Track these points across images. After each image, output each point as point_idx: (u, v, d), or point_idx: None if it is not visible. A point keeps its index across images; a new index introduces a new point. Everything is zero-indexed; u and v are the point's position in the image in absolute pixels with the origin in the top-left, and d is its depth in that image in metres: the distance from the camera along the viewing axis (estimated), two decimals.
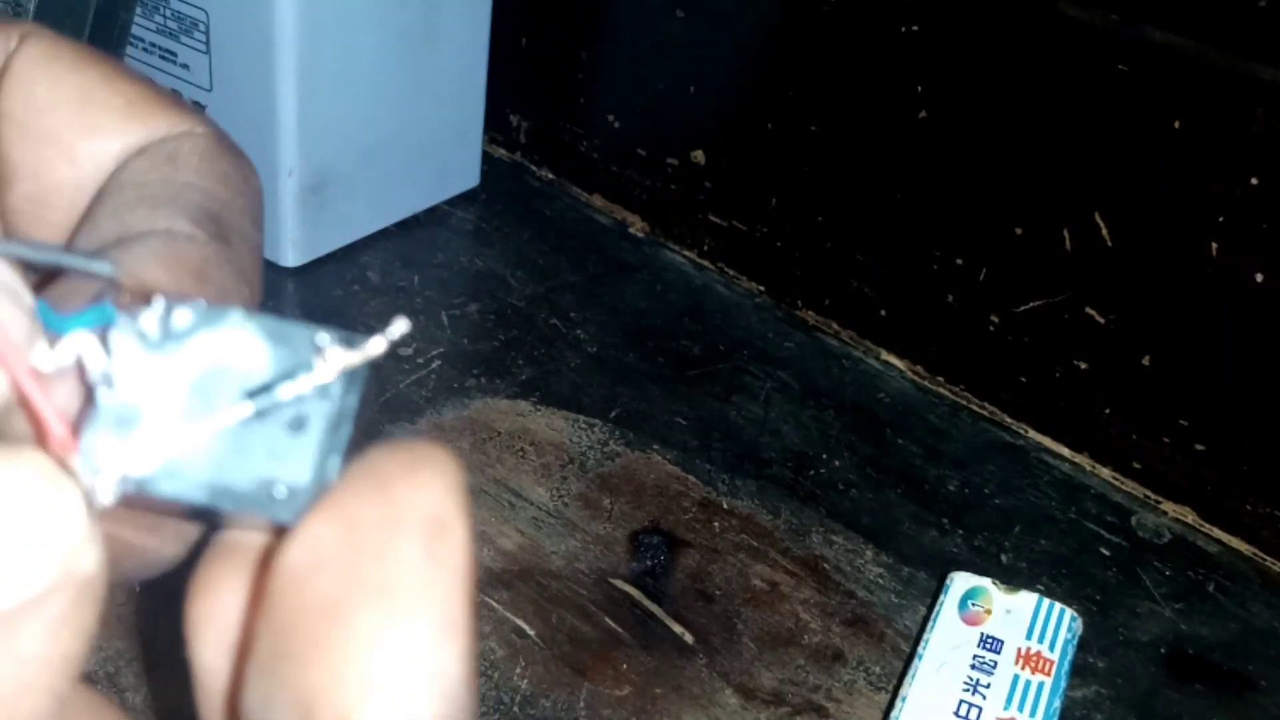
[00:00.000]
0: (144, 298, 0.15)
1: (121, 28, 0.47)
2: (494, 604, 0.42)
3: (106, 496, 0.15)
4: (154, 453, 0.15)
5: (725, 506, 0.47)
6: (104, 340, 0.15)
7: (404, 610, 0.13)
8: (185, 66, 0.53)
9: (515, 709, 0.38)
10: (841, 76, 0.53)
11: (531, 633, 0.41)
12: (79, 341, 0.15)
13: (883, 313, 0.55)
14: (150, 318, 0.15)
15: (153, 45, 0.53)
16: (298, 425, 0.15)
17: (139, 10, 0.52)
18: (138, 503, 0.15)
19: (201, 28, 0.51)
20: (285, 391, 0.15)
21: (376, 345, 0.15)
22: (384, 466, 0.14)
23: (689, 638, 0.42)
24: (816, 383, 0.54)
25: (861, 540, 0.46)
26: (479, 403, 0.50)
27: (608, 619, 0.42)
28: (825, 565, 0.45)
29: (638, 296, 0.58)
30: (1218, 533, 0.49)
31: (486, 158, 0.63)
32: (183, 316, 0.15)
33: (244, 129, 0.52)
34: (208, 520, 0.16)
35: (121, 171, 0.19)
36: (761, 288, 0.59)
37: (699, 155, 0.59)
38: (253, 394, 0.15)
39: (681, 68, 0.58)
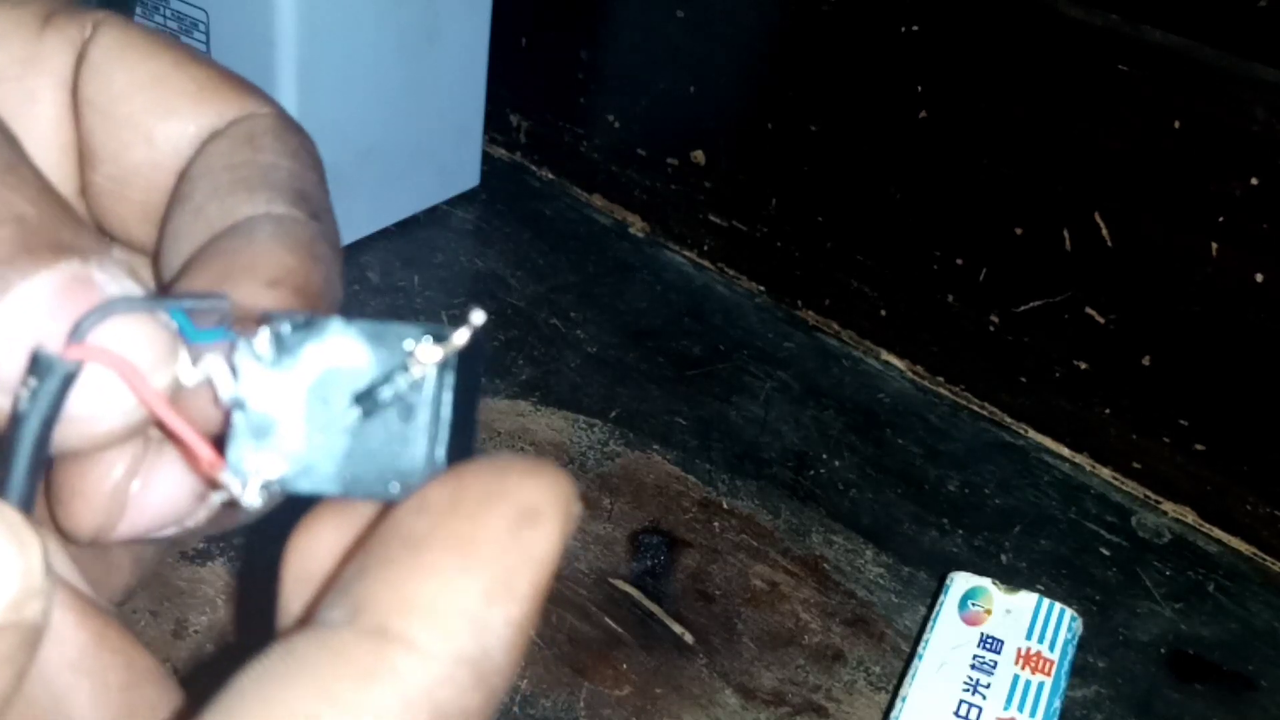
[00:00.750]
0: (254, 320, 0.17)
1: None
2: None
3: (254, 501, 0.17)
4: (288, 458, 0.17)
5: (725, 506, 0.47)
6: (230, 363, 0.17)
7: (472, 563, 0.15)
8: None
9: (515, 709, 0.38)
10: (841, 76, 0.53)
11: (532, 632, 0.41)
12: (211, 363, 0.17)
13: (883, 313, 0.55)
14: (263, 340, 0.17)
15: None
16: (405, 416, 0.17)
17: (139, 10, 0.52)
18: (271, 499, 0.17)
19: (201, 27, 0.51)
20: (389, 389, 0.17)
21: (461, 336, 0.17)
22: (509, 463, 0.16)
23: (689, 638, 0.42)
24: (816, 383, 0.54)
25: (861, 540, 0.46)
26: (479, 402, 0.50)
27: (608, 619, 0.42)
28: (825, 565, 0.45)
29: (638, 296, 0.58)
30: (1218, 533, 0.49)
31: (486, 158, 0.63)
32: (290, 331, 0.17)
33: None
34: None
35: (206, 155, 0.20)
36: (761, 288, 0.59)
37: (699, 155, 0.59)
38: (361, 395, 0.17)
39: (681, 68, 0.58)
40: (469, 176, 0.62)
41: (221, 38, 0.51)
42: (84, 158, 0.21)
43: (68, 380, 0.16)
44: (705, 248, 0.60)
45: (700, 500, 0.47)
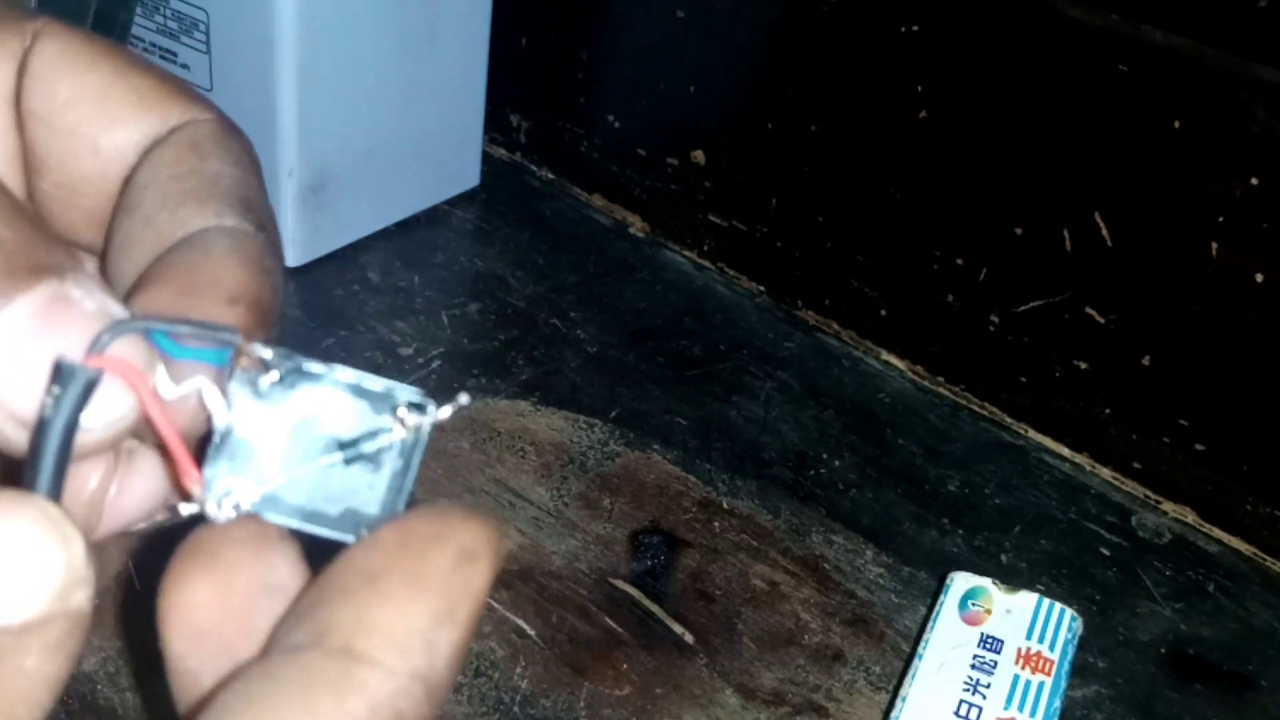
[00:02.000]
0: (255, 355, 0.19)
1: (122, 27, 0.47)
2: (494, 604, 0.42)
3: (221, 518, 0.18)
4: (260, 485, 0.19)
5: (725, 506, 0.47)
6: (222, 387, 0.18)
7: (422, 593, 0.17)
8: (186, 67, 0.53)
9: (515, 709, 0.38)
10: (841, 76, 0.53)
11: (532, 632, 0.41)
12: (200, 381, 0.18)
13: (883, 313, 0.55)
14: (265, 377, 0.19)
15: (153, 45, 0.53)
16: (374, 468, 0.19)
17: (139, 10, 0.52)
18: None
19: (202, 28, 0.51)
20: (371, 444, 0.19)
21: (444, 411, 0.19)
22: (449, 509, 0.18)
23: (689, 638, 0.42)
24: (816, 383, 0.54)
25: (861, 540, 0.46)
26: (479, 403, 0.50)
27: (608, 619, 0.42)
28: (825, 565, 0.45)
29: (638, 296, 0.58)
30: (1218, 533, 0.49)
31: (486, 158, 0.63)
32: (288, 372, 0.19)
33: (244, 129, 0.52)
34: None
35: (151, 163, 0.21)
36: (761, 288, 0.59)
37: (699, 155, 0.59)
38: (342, 445, 0.19)
39: (681, 68, 0.58)
40: (469, 176, 0.62)
41: (221, 38, 0.51)
42: (30, 166, 0.21)
43: (89, 387, 0.17)
44: (705, 248, 0.60)
45: (700, 500, 0.47)
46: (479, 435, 0.48)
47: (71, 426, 0.17)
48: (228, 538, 0.18)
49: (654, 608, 0.43)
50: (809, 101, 0.54)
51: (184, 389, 0.18)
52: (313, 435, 0.19)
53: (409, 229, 0.60)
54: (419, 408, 0.19)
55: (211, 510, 0.18)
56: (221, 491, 0.18)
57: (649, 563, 0.44)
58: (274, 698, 0.16)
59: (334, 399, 0.19)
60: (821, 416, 0.52)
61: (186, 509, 0.19)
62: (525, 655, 0.40)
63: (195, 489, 0.18)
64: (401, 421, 0.19)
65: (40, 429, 0.17)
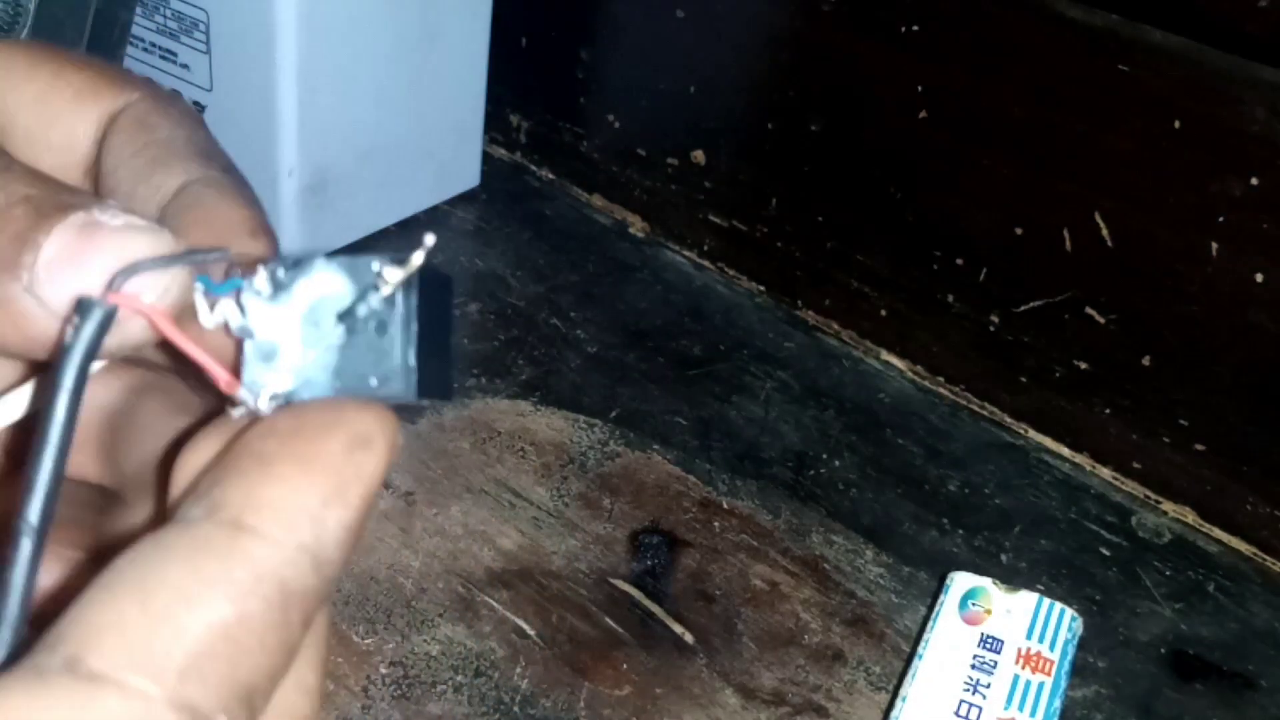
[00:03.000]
0: (251, 264, 0.21)
1: (122, 27, 0.47)
2: (494, 603, 0.42)
3: (267, 409, 0.20)
4: (291, 374, 0.21)
5: (725, 506, 0.47)
6: (238, 302, 0.21)
7: (312, 473, 0.18)
8: (185, 66, 0.53)
9: (515, 708, 0.38)
10: (841, 76, 0.53)
11: (532, 632, 0.41)
12: (225, 307, 0.20)
13: (883, 313, 0.55)
14: (263, 280, 0.21)
15: (153, 45, 0.53)
16: (381, 330, 0.21)
17: (139, 10, 0.52)
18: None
19: (202, 28, 0.51)
20: (364, 307, 0.20)
21: (418, 257, 0.20)
22: (344, 400, 0.20)
23: (689, 638, 0.42)
24: (816, 383, 0.54)
25: (861, 540, 0.46)
26: (479, 403, 0.50)
27: (608, 619, 0.42)
28: (825, 565, 0.45)
29: (638, 296, 0.58)
30: (1218, 533, 0.49)
31: (486, 158, 0.63)
32: (284, 272, 0.21)
33: (244, 129, 0.52)
34: None
35: (110, 149, 0.23)
36: (761, 288, 0.59)
37: (699, 155, 0.59)
38: (343, 314, 0.21)
39: (681, 68, 0.58)
40: (469, 176, 0.62)
41: (221, 38, 0.51)
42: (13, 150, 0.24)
43: (107, 320, 0.19)
44: (705, 248, 0.60)
45: (700, 500, 0.47)
46: (479, 435, 0.48)
47: (90, 353, 0.19)
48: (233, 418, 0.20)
49: (654, 608, 0.43)
50: (809, 101, 0.54)
51: (217, 316, 0.20)
52: (321, 318, 0.21)
53: (409, 229, 0.60)
54: (398, 261, 0.20)
55: (257, 405, 0.20)
56: (261, 387, 0.20)
57: (649, 563, 0.44)
58: (164, 562, 0.17)
59: (329, 281, 0.21)
60: (821, 416, 0.52)
61: (237, 413, 0.21)
62: (525, 655, 0.40)
63: (242, 394, 0.20)
64: (385, 276, 0.20)
65: (61, 355, 0.19)
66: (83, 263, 0.20)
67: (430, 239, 0.20)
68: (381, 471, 0.19)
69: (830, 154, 0.54)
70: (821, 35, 0.53)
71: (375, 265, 0.20)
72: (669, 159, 0.60)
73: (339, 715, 0.37)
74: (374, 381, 0.21)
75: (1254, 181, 0.44)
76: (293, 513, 0.18)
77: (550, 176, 0.65)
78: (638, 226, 0.62)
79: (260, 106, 0.51)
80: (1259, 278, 0.45)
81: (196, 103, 0.53)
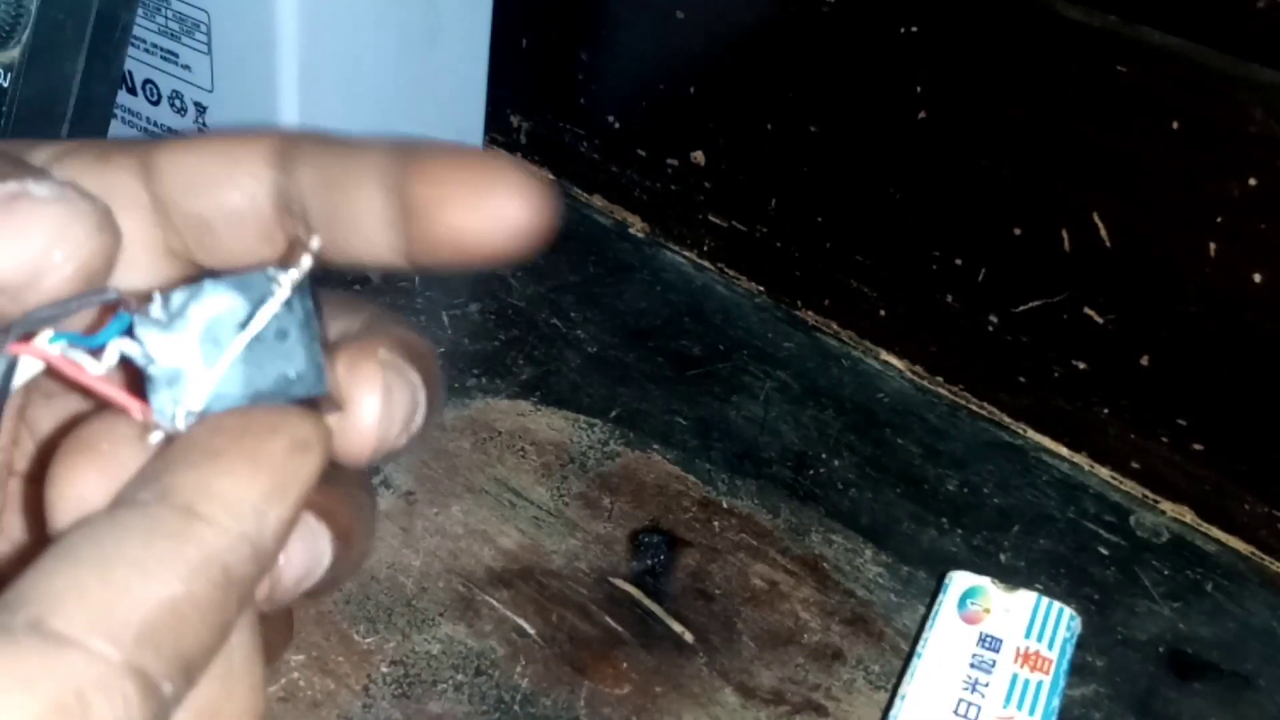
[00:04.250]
0: (141, 298, 0.21)
1: (123, 28, 0.48)
2: (494, 603, 0.42)
3: (180, 426, 0.21)
4: (201, 393, 0.21)
5: (725, 506, 0.47)
6: (132, 335, 0.21)
7: (258, 471, 0.20)
8: (187, 67, 0.53)
9: (516, 707, 0.39)
10: (841, 76, 0.53)
11: (532, 631, 0.41)
12: (117, 347, 0.21)
13: (882, 313, 0.55)
14: (157, 308, 0.21)
15: (154, 46, 0.53)
16: (282, 335, 0.22)
17: (140, 11, 0.52)
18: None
19: (203, 28, 0.51)
20: (261, 317, 0.21)
21: (306, 261, 0.22)
22: (291, 410, 0.21)
23: (689, 637, 0.42)
24: (816, 383, 0.54)
25: (861, 540, 0.46)
26: (479, 402, 0.50)
27: (608, 618, 0.42)
28: (825, 564, 0.45)
29: (638, 296, 0.58)
30: (1216, 532, 0.49)
31: None
32: (173, 298, 0.21)
33: None
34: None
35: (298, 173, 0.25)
36: (761, 288, 0.59)
37: (699, 155, 0.59)
38: (241, 327, 0.21)
39: (681, 68, 0.58)
40: None
41: (222, 39, 0.51)
42: (188, 240, 0.26)
43: (10, 368, 0.21)
44: (705, 248, 0.60)
45: (700, 500, 0.47)
46: (479, 435, 0.49)
47: (2, 394, 0.21)
48: (107, 432, 0.21)
49: (654, 607, 0.43)
50: (809, 101, 0.54)
51: (107, 361, 0.21)
52: (219, 335, 0.22)
53: None
54: (284, 268, 0.22)
55: (171, 426, 0.21)
56: (170, 410, 0.21)
57: (649, 562, 0.44)
58: (120, 539, 0.19)
59: (220, 300, 0.22)
60: (821, 416, 0.52)
61: (154, 436, 0.22)
62: (525, 654, 0.40)
63: (147, 417, 0.21)
64: (277, 284, 0.22)
65: None
66: (5, 227, 0.21)
67: (315, 242, 0.22)
68: (316, 474, 0.21)
69: (830, 154, 0.55)
70: (821, 35, 0.53)
71: (268, 275, 0.21)
72: (669, 159, 0.60)
73: (340, 714, 0.38)
74: (284, 383, 0.22)
75: (1252, 182, 0.44)
76: (239, 504, 0.19)
77: (550, 177, 0.65)
78: (638, 226, 0.62)
79: (261, 107, 0.51)
80: (1257, 278, 0.45)
81: (198, 103, 0.53)
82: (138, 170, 0.25)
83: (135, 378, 0.22)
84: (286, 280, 0.22)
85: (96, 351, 0.21)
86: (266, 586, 0.24)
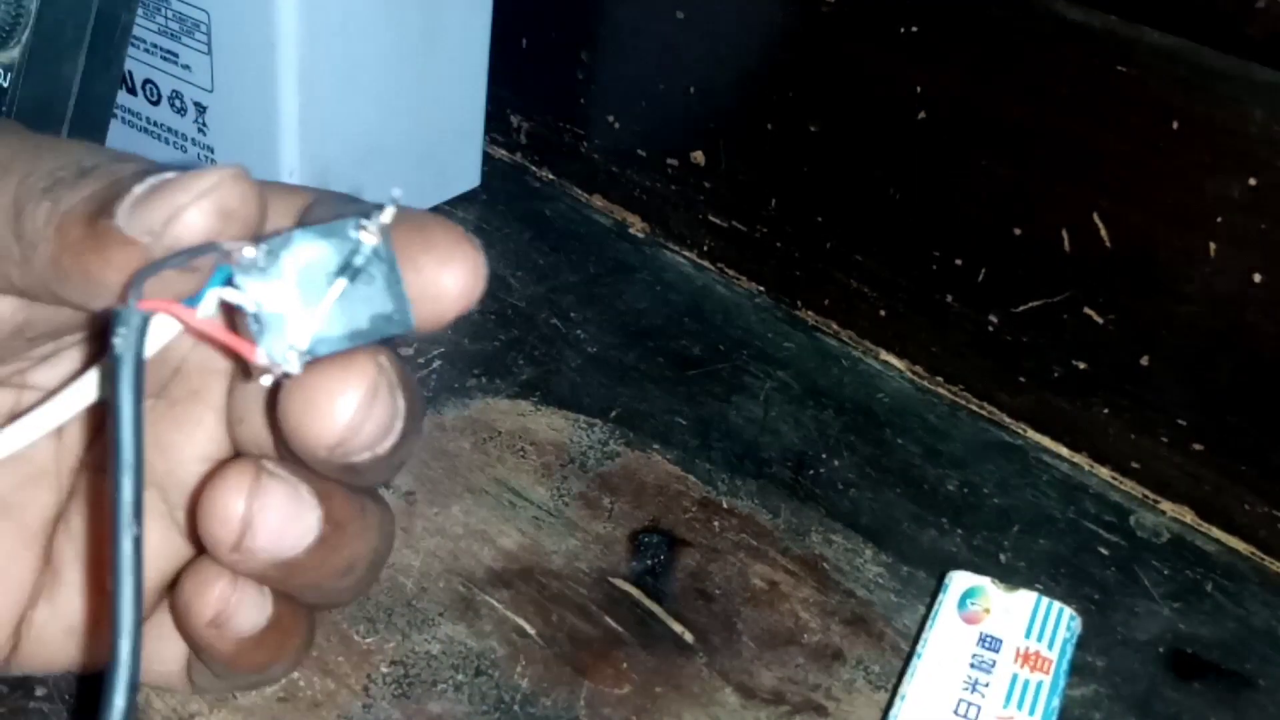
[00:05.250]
0: (238, 249, 0.23)
1: (123, 28, 0.48)
2: (494, 603, 0.42)
3: (295, 369, 0.24)
4: (305, 335, 0.24)
5: (725, 506, 0.47)
6: (234, 284, 0.23)
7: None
8: (187, 67, 0.53)
9: (515, 707, 0.39)
10: (841, 76, 0.53)
11: (532, 631, 0.41)
12: (217, 294, 0.23)
13: (882, 313, 0.55)
14: (255, 257, 0.23)
15: (154, 46, 0.53)
16: (369, 279, 0.24)
17: (140, 11, 0.52)
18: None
19: (203, 28, 0.51)
20: (353, 263, 0.23)
21: (388, 213, 0.24)
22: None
23: (689, 637, 0.42)
24: (816, 383, 0.54)
25: (861, 540, 0.46)
26: (479, 402, 0.50)
27: (608, 618, 0.42)
28: (825, 565, 0.45)
29: (638, 296, 0.58)
30: (1216, 532, 0.49)
31: (487, 158, 0.63)
32: (268, 250, 0.23)
33: (245, 129, 0.52)
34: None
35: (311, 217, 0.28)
36: (761, 288, 0.59)
37: (699, 155, 0.59)
38: (334, 271, 0.23)
39: (681, 68, 0.58)
40: (469, 177, 0.63)
41: (222, 39, 0.51)
42: None
43: (144, 324, 0.23)
44: (705, 248, 0.60)
45: (700, 500, 0.47)
46: (479, 435, 0.49)
47: (139, 354, 0.22)
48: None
49: (654, 607, 0.43)
50: (809, 101, 0.54)
51: (209, 306, 0.23)
52: (314, 281, 0.23)
53: None
54: (368, 217, 0.24)
55: (284, 367, 0.23)
56: (281, 352, 0.23)
57: (649, 562, 0.44)
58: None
59: (311, 248, 0.23)
60: (821, 416, 0.52)
61: (266, 379, 0.24)
62: (525, 654, 0.40)
63: (263, 359, 0.23)
64: (365, 230, 0.23)
65: (115, 362, 0.22)
66: (148, 200, 0.24)
67: (398, 192, 0.24)
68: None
69: (830, 154, 0.55)
70: (821, 35, 0.53)
71: (353, 225, 0.23)
72: (669, 159, 0.60)
73: (340, 714, 0.38)
74: (379, 322, 0.24)
75: (1252, 182, 0.44)
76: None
77: (550, 177, 0.65)
78: (638, 226, 0.62)
79: (261, 107, 0.52)
80: (1257, 278, 0.45)
81: (197, 103, 0.53)
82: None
83: (242, 326, 0.24)
84: (374, 228, 0.23)
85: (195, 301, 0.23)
86: (239, 530, 0.27)
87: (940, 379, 0.55)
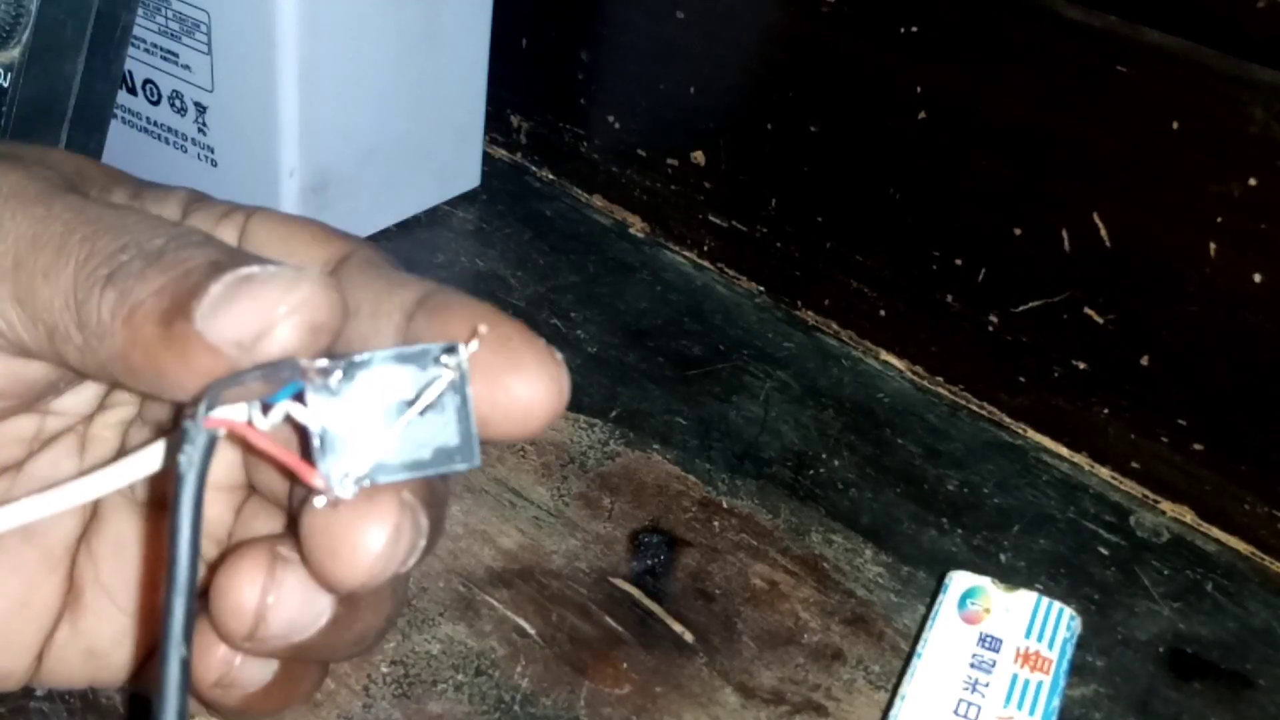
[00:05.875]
0: (316, 369, 0.23)
1: (123, 29, 0.48)
2: (494, 603, 0.42)
3: (348, 494, 0.23)
4: (365, 461, 0.23)
5: (725, 506, 0.47)
6: (303, 401, 0.23)
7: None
8: (187, 67, 0.53)
9: (516, 708, 0.39)
10: (841, 76, 0.53)
11: (532, 631, 0.41)
12: (284, 409, 0.23)
13: (882, 313, 0.55)
14: (329, 377, 0.23)
15: (154, 46, 0.53)
16: (440, 411, 0.23)
17: (140, 11, 0.52)
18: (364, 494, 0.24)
19: (203, 28, 0.51)
20: (427, 394, 0.23)
21: (472, 347, 0.24)
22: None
23: (689, 637, 0.42)
24: (816, 383, 0.54)
25: (861, 539, 0.46)
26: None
27: (608, 618, 0.42)
28: (825, 564, 0.45)
29: (638, 296, 0.58)
30: (1216, 532, 0.49)
31: (487, 158, 0.63)
32: (346, 369, 0.23)
33: (245, 129, 0.52)
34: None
35: (349, 280, 0.29)
36: (761, 288, 0.59)
37: (699, 155, 0.59)
38: (409, 404, 0.23)
39: (681, 68, 0.58)
40: (469, 177, 0.63)
41: (222, 39, 0.51)
42: None
43: (212, 442, 0.22)
44: (705, 248, 0.60)
45: (700, 500, 0.47)
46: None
47: (203, 472, 0.22)
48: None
49: (654, 607, 0.43)
50: (809, 101, 0.54)
51: (273, 418, 0.23)
52: (385, 407, 0.23)
53: (409, 229, 0.60)
54: (451, 351, 0.23)
55: (339, 493, 0.23)
56: (339, 477, 0.23)
57: (649, 562, 0.44)
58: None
59: (387, 373, 0.23)
60: (821, 416, 0.52)
61: (320, 502, 0.23)
62: (525, 654, 0.40)
63: (320, 483, 0.23)
64: (444, 365, 0.23)
65: (177, 481, 0.22)
66: (231, 305, 0.23)
67: (483, 329, 0.24)
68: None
69: (830, 154, 0.55)
70: (821, 35, 0.53)
71: (435, 354, 0.23)
72: (669, 159, 0.60)
73: (340, 714, 0.38)
74: (442, 457, 0.23)
75: (1252, 182, 0.44)
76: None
77: (550, 177, 0.65)
78: (638, 226, 0.62)
79: (261, 107, 0.52)
80: (1257, 278, 0.45)
81: (198, 103, 0.53)
82: (236, 232, 0.29)
83: (303, 442, 0.23)
84: (453, 362, 0.23)
85: (265, 409, 0.23)
86: (253, 624, 0.26)
87: (940, 379, 0.55)
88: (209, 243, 0.25)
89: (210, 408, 0.22)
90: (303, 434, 0.23)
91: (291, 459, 0.23)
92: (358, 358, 0.23)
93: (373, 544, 0.24)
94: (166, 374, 0.24)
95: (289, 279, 0.23)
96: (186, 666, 0.21)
